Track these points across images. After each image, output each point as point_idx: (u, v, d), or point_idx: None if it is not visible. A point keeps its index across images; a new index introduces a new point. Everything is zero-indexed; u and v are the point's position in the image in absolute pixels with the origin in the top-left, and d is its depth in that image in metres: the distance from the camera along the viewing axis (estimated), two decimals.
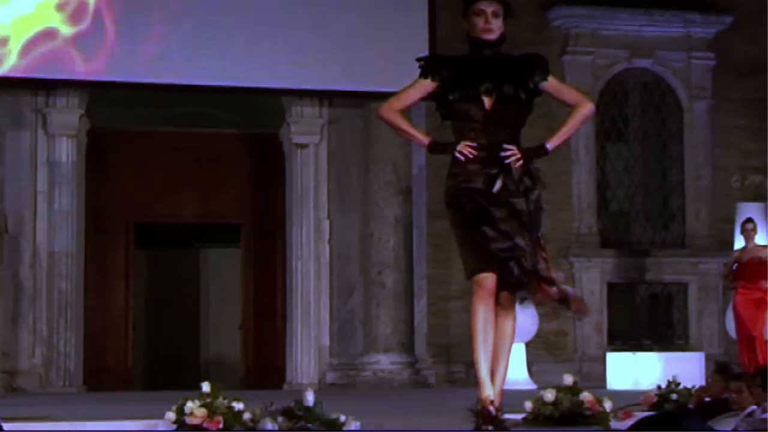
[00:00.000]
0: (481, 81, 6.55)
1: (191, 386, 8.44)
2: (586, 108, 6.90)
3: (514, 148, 6.62)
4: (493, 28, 6.63)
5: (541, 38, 16.32)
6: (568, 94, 7.03)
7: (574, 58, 16.52)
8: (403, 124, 6.62)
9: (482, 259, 6.32)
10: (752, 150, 16.99)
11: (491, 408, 6.18)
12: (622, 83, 16.97)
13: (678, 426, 2.23)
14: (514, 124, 6.73)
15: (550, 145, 6.83)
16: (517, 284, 6.41)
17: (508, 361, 6.56)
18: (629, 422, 6.72)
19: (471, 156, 6.41)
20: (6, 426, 7.00)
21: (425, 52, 14.70)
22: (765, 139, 16.99)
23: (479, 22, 6.58)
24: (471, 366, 15.53)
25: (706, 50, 16.92)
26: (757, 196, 15.81)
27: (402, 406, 11.14)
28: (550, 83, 6.92)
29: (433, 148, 6.61)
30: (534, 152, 6.76)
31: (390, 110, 6.60)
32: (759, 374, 7.21)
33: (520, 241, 6.49)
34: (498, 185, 6.50)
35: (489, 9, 6.59)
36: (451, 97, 6.54)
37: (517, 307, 6.61)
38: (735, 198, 16.00)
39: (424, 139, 6.60)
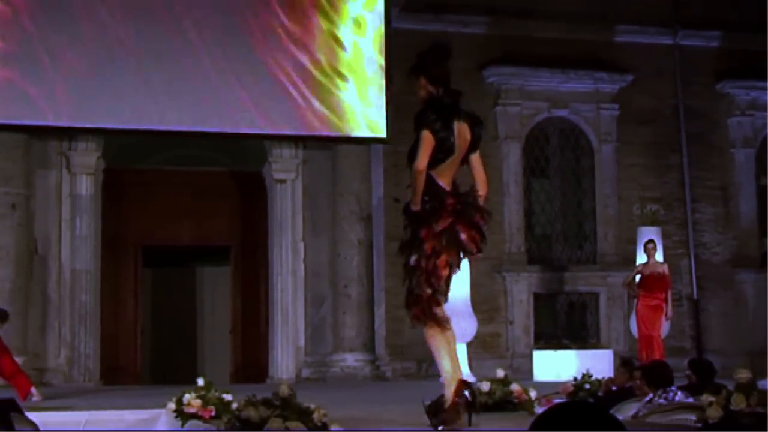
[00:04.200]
0: None
1: (189, 381, 8.41)
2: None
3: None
4: (419, 93, 6.48)
5: (477, 93, 16.41)
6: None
7: (505, 109, 16.60)
8: None
9: None
10: (649, 184, 17.11)
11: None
12: (544, 129, 17.05)
13: (581, 412, 2.26)
14: None
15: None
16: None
17: (437, 361, 6.45)
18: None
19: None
20: (36, 415, 6.94)
21: (383, 105, 14.81)
22: (659, 175, 17.14)
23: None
24: (421, 362, 15.65)
25: (611, 102, 17.04)
26: (653, 221, 15.93)
27: (364, 396, 11.13)
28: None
29: None
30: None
31: None
32: (649, 370, 7.23)
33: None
34: None
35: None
36: None
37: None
38: (636, 223, 16.11)
39: None
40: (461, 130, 6.34)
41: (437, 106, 6.33)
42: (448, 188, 6.28)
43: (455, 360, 6.34)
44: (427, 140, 6.19)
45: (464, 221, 6.25)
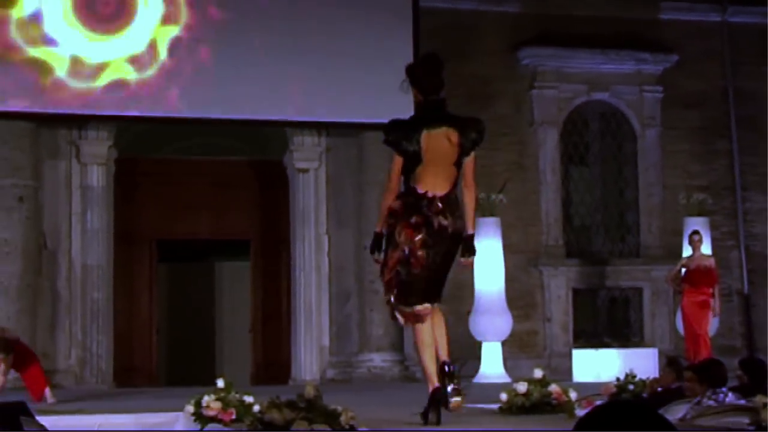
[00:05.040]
0: None
1: (207, 383, 8.43)
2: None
3: None
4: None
5: (512, 75, 16.40)
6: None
7: (541, 92, 16.55)
8: None
9: None
10: (696, 171, 17.03)
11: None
12: (583, 114, 17.00)
13: (629, 412, 2.25)
14: None
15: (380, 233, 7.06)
16: None
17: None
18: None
19: None
20: (47, 419, 6.98)
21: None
22: (707, 162, 17.05)
23: None
24: (453, 362, 15.62)
25: (655, 84, 16.96)
26: (701, 211, 15.83)
27: (393, 398, 11.13)
28: None
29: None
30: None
31: None
32: (703, 368, 7.22)
33: None
34: None
35: None
36: None
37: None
38: (682, 213, 16.01)
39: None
40: (438, 137, 6.92)
41: (402, 120, 7.09)
42: (425, 191, 6.87)
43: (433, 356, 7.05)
44: (394, 161, 6.98)
45: (405, 221, 6.86)
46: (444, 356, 7.01)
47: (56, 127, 14.71)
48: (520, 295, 16.02)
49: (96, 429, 8.40)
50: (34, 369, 11.16)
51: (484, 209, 14.96)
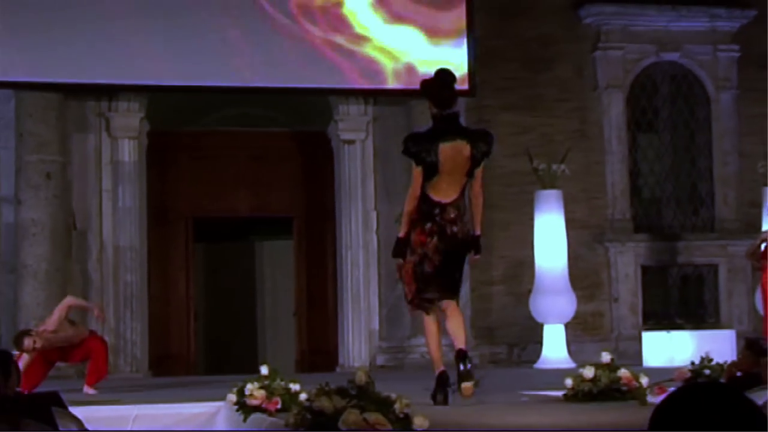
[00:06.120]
0: None
1: (249, 371, 8.47)
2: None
3: None
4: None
5: (573, 35, 16.30)
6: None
7: (605, 53, 16.44)
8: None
9: None
10: None
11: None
12: (652, 76, 16.87)
13: (714, 395, 2.23)
14: None
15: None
16: None
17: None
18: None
19: None
20: (81, 409, 7.05)
21: (464, 54, 14.73)
22: None
23: None
24: (512, 346, 15.63)
25: (730, 43, 16.79)
26: None
27: None
28: None
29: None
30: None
31: None
32: None
33: None
34: None
35: None
36: None
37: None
38: (761, 183, 15.87)
39: None
40: (453, 149, 7.98)
41: (419, 133, 8.54)
42: (439, 200, 7.97)
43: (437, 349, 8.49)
44: (414, 173, 8.08)
45: (420, 228, 8.00)
46: (460, 345, 8.19)
47: (84, 98, 14.80)
48: (585, 273, 15.96)
49: (132, 420, 8.48)
50: (92, 362, 11.29)
51: (544, 181, 14.92)
